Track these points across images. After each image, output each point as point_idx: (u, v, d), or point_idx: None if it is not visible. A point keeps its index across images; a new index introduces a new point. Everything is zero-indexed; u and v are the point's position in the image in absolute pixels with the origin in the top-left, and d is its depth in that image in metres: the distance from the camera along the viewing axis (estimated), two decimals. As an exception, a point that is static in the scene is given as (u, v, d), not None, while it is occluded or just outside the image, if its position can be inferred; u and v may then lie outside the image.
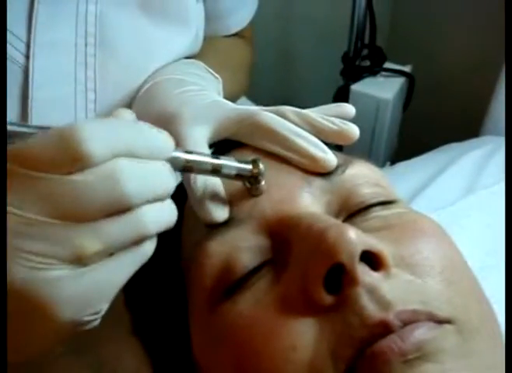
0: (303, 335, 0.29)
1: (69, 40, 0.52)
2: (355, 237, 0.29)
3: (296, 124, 0.39)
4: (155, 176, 0.29)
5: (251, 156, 0.36)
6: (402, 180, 0.76)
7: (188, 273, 0.37)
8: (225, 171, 0.34)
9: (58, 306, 0.27)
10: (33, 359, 0.31)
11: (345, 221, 0.36)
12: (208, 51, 0.66)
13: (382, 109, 0.98)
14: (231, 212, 0.36)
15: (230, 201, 0.36)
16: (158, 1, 0.56)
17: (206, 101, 0.45)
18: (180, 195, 0.42)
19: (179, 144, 0.39)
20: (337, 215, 0.36)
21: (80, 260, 0.27)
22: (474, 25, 1.08)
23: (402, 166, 0.84)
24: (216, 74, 0.57)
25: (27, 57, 0.50)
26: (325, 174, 0.37)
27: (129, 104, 0.54)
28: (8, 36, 0.49)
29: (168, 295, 0.40)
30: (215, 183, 0.37)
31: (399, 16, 1.21)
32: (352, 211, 0.36)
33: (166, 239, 0.41)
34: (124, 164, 0.28)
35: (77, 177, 0.26)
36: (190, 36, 0.60)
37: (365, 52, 1.04)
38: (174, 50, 0.58)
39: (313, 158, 0.37)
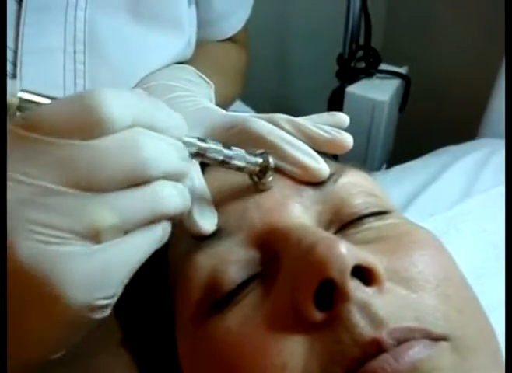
0: (293, 353, 0.28)
1: (58, 47, 0.50)
2: (345, 251, 0.27)
3: (288, 133, 0.38)
4: (174, 151, 0.28)
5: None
6: (398, 184, 0.75)
7: (175, 286, 0.36)
8: (235, 162, 0.33)
9: (69, 286, 0.24)
10: (35, 361, 0.29)
11: (337, 232, 0.35)
12: (200, 56, 0.65)
13: (378, 111, 0.97)
14: (219, 221, 0.35)
15: (218, 207, 0.35)
16: (149, 6, 0.55)
17: (195, 107, 0.44)
18: None
19: None
20: (328, 226, 0.35)
21: (95, 236, 0.25)
22: (470, 26, 1.08)
23: (398, 170, 0.83)
24: (208, 80, 0.56)
25: (15, 64, 0.49)
26: (317, 184, 0.36)
27: None
28: None
29: (156, 308, 0.39)
30: (203, 190, 0.36)
31: (394, 17, 1.21)
32: (345, 222, 0.35)
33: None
34: (145, 133, 0.26)
35: (96, 143, 0.25)
36: (182, 41, 0.59)
37: (360, 54, 1.03)
38: (166, 56, 0.57)
39: (304, 168, 0.36)
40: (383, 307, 0.28)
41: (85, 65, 0.52)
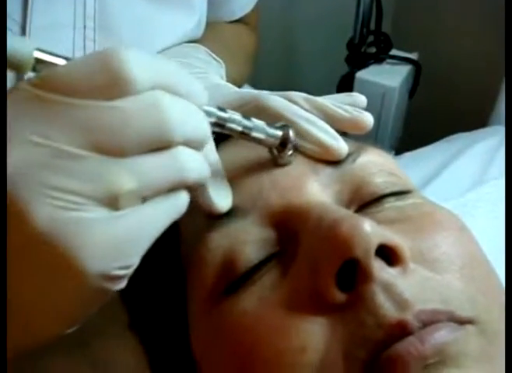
0: (313, 335, 0.27)
1: (67, 23, 0.49)
2: (370, 230, 0.26)
3: (305, 110, 0.37)
4: (196, 117, 0.27)
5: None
6: (410, 170, 0.73)
7: (188, 267, 0.35)
8: (254, 134, 0.32)
9: (85, 254, 0.23)
10: (49, 336, 0.27)
11: (356, 211, 0.33)
12: (210, 36, 0.63)
13: (388, 97, 0.96)
14: (234, 200, 0.33)
15: (233, 185, 0.34)
16: None
17: (207, 84, 0.43)
18: None
19: None
20: (348, 206, 0.33)
21: (113, 202, 0.24)
22: (483, 12, 1.06)
23: (409, 157, 0.82)
24: (219, 59, 0.55)
25: None
26: (335, 162, 0.35)
27: None
28: None
29: (166, 290, 0.38)
30: (217, 166, 0.34)
31: (405, 2, 1.19)
32: (365, 202, 0.33)
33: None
34: (168, 96, 0.25)
35: (118, 103, 0.24)
36: (193, 20, 0.58)
37: (371, 38, 1.02)
38: (176, 34, 0.56)
39: (323, 146, 0.35)
40: (407, 288, 0.27)
41: (95, 42, 0.51)
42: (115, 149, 0.24)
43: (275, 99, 0.37)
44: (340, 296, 0.27)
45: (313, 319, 0.27)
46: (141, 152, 0.24)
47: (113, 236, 0.24)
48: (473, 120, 0.92)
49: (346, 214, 0.29)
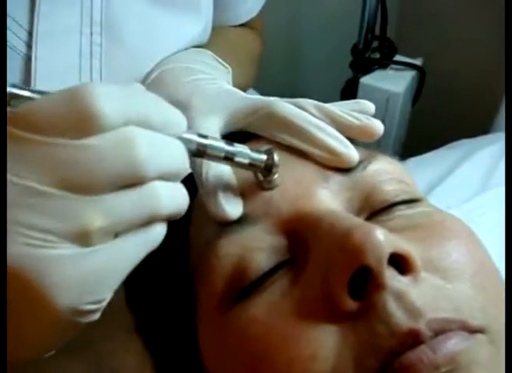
0: (324, 344, 0.27)
1: (74, 28, 0.49)
2: (383, 238, 0.26)
3: (316, 117, 0.37)
4: (171, 149, 0.27)
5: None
6: (414, 176, 0.73)
7: (197, 274, 0.35)
8: (238, 159, 0.32)
9: (56, 290, 0.24)
10: (25, 360, 0.28)
11: (367, 219, 0.33)
12: (216, 41, 0.63)
13: (392, 102, 0.96)
14: (244, 208, 0.33)
15: (243, 195, 0.34)
16: None
17: (217, 90, 0.43)
18: (188, 189, 0.40)
19: None
20: (358, 214, 0.33)
21: (84, 239, 0.24)
22: (488, 18, 1.06)
23: (413, 162, 0.82)
24: (226, 64, 0.54)
25: (29, 45, 0.48)
26: (345, 170, 0.35)
27: None
28: (9, 22, 0.46)
29: (174, 296, 0.38)
30: (228, 174, 0.35)
31: (411, 8, 1.19)
32: (375, 210, 0.33)
33: (173, 236, 0.39)
34: (140, 131, 0.25)
35: (87, 141, 0.23)
36: (200, 24, 0.58)
37: (375, 44, 1.01)
38: (183, 39, 0.56)
39: (333, 153, 0.35)
40: (419, 297, 0.27)
41: (102, 47, 0.51)
42: (86, 187, 0.24)
43: (286, 106, 0.37)
44: (352, 304, 0.27)
45: (324, 327, 0.27)
46: (112, 189, 0.24)
47: (84, 272, 0.24)
48: (476, 126, 0.92)
49: (358, 222, 0.29)
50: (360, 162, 0.35)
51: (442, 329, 0.26)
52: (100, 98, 0.24)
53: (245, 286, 0.31)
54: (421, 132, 1.12)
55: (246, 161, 0.32)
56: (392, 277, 0.27)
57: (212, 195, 0.34)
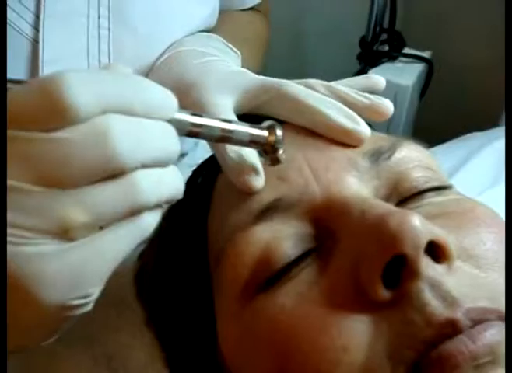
0: (356, 334, 0.26)
1: (81, 11, 0.49)
2: (420, 225, 0.25)
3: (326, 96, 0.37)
4: (153, 135, 0.25)
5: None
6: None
7: (217, 265, 0.34)
8: (236, 137, 0.30)
9: (42, 287, 0.23)
10: (20, 348, 0.27)
11: (396, 206, 0.32)
12: (223, 25, 0.63)
13: (400, 95, 0.95)
14: (280, 192, 0.33)
15: (280, 177, 0.33)
16: None
17: (229, 69, 0.43)
18: (207, 177, 0.39)
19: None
20: (386, 201, 0.32)
21: (66, 234, 0.23)
22: (497, 11, 1.05)
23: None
24: (235, 49, 0.54)
25: (36, 29, 0.47)
26: (372, 157, 0.34)
27: None
28: (16, 5, 0.46)
29: (190, 285, 0.37)
30: (251, 154, 0.34)
31: (419, 1, 1.18)
32: (404, 197, 0.32)
33: (190, 225, 0.38)
34: (116, 120, 0.24)
35: (60, 134, 0.22)
36: (207, 8, 0.58)
37: (383, 36, 1.01)
38: (191, 23, 0.55)
39: (345, 130, 0.34)
40: (455, 286, 0.26)
41: (110, 31, 0.50)
42: (61, 182, 0.23)
43: (296, 87, 0.37)
44: (385, 293, 0.26)
45: (356, 317, 0.26)
46: (91, 182, 0.23)
47: (67, 267, 0.24)
48: (484, 119, 0.92)
49: (394, 209, 0.28)
50: (386, 150, 0.34)
51: (480, 319, 0.25)
52: (72, 86, 0.22)
53: (272, 274, 0.30)
54: (429, 125, 1.11)
55: (245, 139, 0.31)
56: (427, 266, 0.26)
57: (238, 166, 0.33)
